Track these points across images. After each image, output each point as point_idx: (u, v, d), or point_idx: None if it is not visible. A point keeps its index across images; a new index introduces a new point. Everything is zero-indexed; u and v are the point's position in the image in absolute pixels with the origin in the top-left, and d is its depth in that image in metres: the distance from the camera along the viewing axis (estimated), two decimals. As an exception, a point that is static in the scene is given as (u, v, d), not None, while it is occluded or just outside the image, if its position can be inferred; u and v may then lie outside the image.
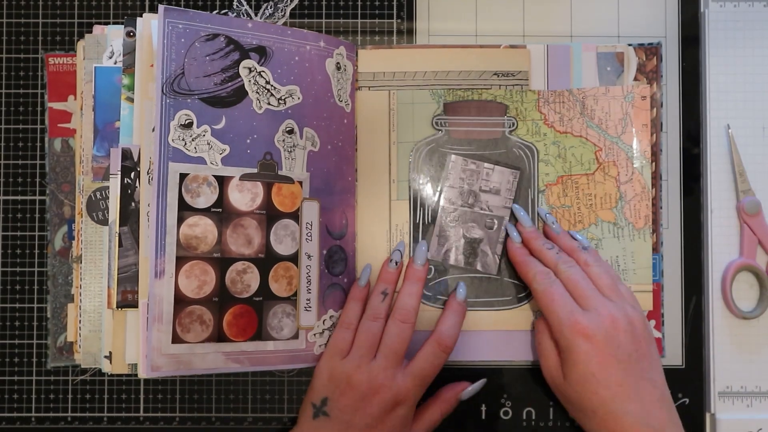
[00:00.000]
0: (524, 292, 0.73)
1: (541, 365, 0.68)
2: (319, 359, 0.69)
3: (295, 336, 0.68)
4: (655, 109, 0.74)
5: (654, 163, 0.73)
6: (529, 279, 0.69)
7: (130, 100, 0.68)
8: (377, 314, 0.69)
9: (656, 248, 0.73)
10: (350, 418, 0.65)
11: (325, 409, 0.66)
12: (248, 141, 0.67)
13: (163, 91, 0.64)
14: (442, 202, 0.73)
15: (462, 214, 0.73)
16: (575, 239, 0.71)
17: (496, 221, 0.73)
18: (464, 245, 0.73)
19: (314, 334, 0.69)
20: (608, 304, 0.65)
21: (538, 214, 0.73)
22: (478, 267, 0.73)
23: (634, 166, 0.73)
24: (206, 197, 0.65)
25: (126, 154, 0.68)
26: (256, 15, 0.76)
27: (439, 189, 0.73)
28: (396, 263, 0.71)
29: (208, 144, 0.65)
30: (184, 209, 0.65)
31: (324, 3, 0.76)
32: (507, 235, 0.72)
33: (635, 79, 0.74)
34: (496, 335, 0.73)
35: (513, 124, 0.73)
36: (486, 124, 0.74)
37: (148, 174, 0.66)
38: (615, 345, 0.63)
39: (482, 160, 0.73)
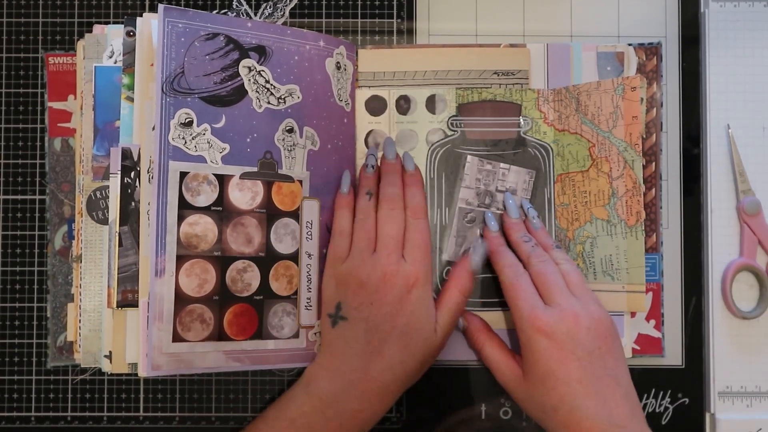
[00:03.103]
0: None
1: (496, 371, 0.68)
2: (324, 271, 0.70)
3: (296, 335, 0.68)
4: (655, 109, 0.74)
5: (654, 163, 0.73)
6: (498, 270, 0.69)
7: (130, 99, 0.68)
8: (368, 212, 0.69)
9: (656, 248, 0.73)
10: (368, 314, 0.65)
11: (341, 314, 0.67)
12: (248, 140, 0.67)
13: (163, 90, 0.64)
14: (458, 203, 0.73)
15: (479, 215, 0.73)
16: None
17: None
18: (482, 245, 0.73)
19: (315, 333, 0.69)
20: (572, 300, 0.64)
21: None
22: None
23: (625, 160, 0.71)
24: (206, 196, 0.65)
25: (126, 154, 0.68)
26: (255, 15, 0.76)
27: (455, 189, 0.73)
28: (372, 167, 0.71)
29: (208, 143, 0.65)
30: (185, 208, 0.65)
31: (324, 3, 0.76)
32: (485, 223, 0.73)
33: (635, 78, 0.74)
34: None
35: (528, 124, 0.73)
36: (501, 125, 0.73)
37: (148, 173, 0.66)
38: (575, 342, 0.63)
39: (498, 160, 0.73)
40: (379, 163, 0.72)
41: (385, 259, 0.66)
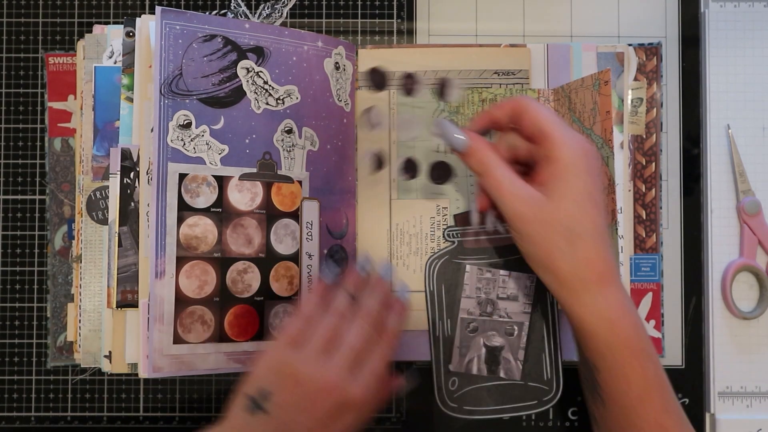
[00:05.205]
0: (549, 394, 0.71)
1: (510, 196, 0.59)
2: (268, 348, 0.60)
3: (296, 335, 0.68)
4: (655, 109, 0.73)
5: (654, 163, 0.73)
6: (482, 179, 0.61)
7: (130, 99, 0.68)
8: (341, 314, 0.61)
9: (656, 248, 0.73)
10: (292, 418, 0.57)
11: (264, 405, 0.57)
12: (247, 141, 0.67)
13: (161, 91, 0.64)
14: (460, 314, 0.72)
15: (481, 324, 0.72)
16: None
17: (516, 327, 0.72)
18: (486, 354, 0.71)
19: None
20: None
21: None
22: (501, 374, 0.71)
23: (602, 157, 0.69)
24: (206, 197, 0.65)
25: (125, 154, 0.68)
26: (253, 15, 0.76)
27: (456, 300, 0.73)
28: (365, 271, 0.66)
29: (207, 144, 0.65)
30: (184, 209, 0.65)
31: (324, 3, 0.76)
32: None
33: (635, 79, 0.74)
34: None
35: None
36: (498, 232, 0.73)
37: (147, 174, 0.66)
38: (597, 169, 0.59)
39: (497, 267, 0.73)
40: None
41: (336, 369, 0.58)
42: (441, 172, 0.73)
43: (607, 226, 0.59)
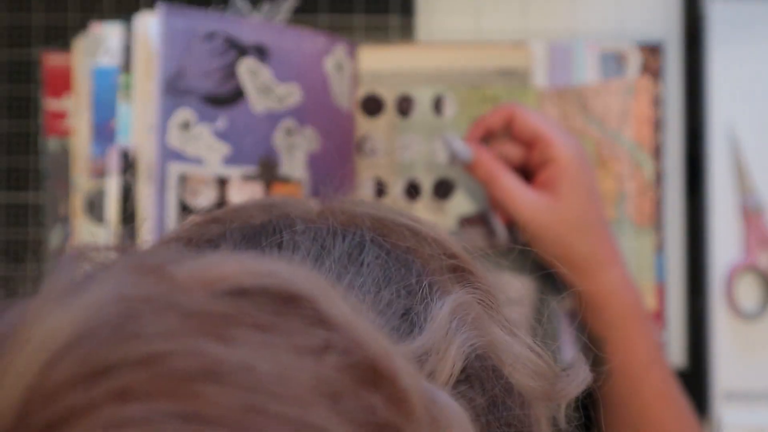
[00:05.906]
0: None
1: (519, 201, 0.63)
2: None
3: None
4: (657, 108, 0.73)
5: (657, 162, 0.73)
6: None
7: (128, 98, 0.68)
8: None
9: (659, 248, 0.73)
10: None
11: None
12: (247, 140, 0.66)
13: (162, 90, 0.63)
14: None
15: None
16: None
17: None
18: None
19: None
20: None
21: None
22: None
23: (636, 161, 0.71)
24: (206, 197, 0.65)
25: (124, 153, 0.67)
26: (255, 13, 0.75)
27: None
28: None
29: (207, 144, 0.65)
30: (184, 210, 0.64)
31: (324, 1, 0.75)
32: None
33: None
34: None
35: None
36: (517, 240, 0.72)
37: (146, 173, 0.66)
38: (588, 160, 0.66)
39: (502, 270, 0.71)
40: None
41: None
42: (445, 189, 0.72)
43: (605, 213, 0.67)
